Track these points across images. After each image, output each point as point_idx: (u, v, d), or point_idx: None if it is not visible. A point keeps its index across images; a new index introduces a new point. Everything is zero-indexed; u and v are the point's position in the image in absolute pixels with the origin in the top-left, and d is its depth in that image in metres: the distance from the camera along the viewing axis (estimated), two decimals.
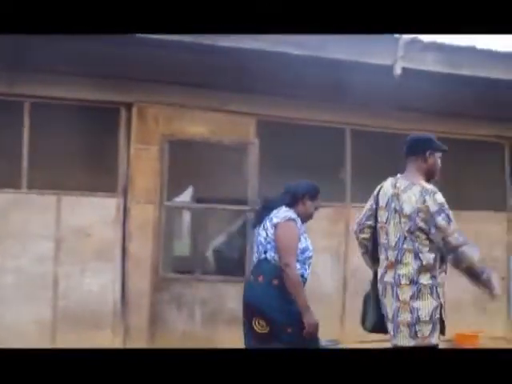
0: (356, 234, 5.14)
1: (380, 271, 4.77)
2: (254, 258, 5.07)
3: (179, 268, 9.33)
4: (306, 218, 5.21)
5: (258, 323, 4.82)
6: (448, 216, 4.58)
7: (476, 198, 9.71)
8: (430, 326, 4.54)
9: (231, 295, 8.14)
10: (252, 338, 4.90)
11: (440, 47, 8.12)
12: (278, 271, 4.81)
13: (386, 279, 4.68)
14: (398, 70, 7.87)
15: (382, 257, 4.78)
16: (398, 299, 4.58)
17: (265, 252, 4.94)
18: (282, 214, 4.96)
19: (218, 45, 7.09)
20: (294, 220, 4.98)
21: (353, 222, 8.24)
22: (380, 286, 4.74)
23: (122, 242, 8.03)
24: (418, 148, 4.89)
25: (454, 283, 9.28)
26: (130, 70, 7.80)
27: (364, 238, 5.04)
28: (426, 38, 7.95)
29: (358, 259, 8.60)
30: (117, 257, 8.01)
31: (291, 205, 5.09)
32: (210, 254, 10.09)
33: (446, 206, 4.60)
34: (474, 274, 4.70)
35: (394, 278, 4.60)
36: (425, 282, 4.55)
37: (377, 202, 4.90)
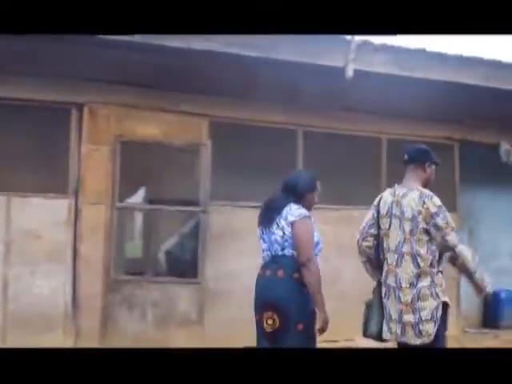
0: (359, 243, 5.48)
1: (382, 276, 5.13)
2: (266, 255, 5.19)
3: (131, 270, 9.34)
4: (310, 208, 5.32)
5: (269, 320, 4.95)
6: (446, 217, 4.92)
7: None
8: (433, 325, 4.89)
9: (183, 297, 8.19)
10: (263, 335, 5.08)
11: (391, 49, 8.26)
12: (297, 265, 4.98)
13: (388, 282, 5.05)
14: (349, 72, 7.98)
15: (384, 262, 5.15)
16: (401, 301, 4.94)
17: (282, 249, 5.07)
18: (295, 212, 5.09)
19: (170, 45, 7.12)
20: (308, 217, 5.14)
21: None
22: (384, 289, 5.10)
23: (73, 244, 8.02)
24: (419, 158, 5.28)
25: None
26: (81, 70, 7.79)
27: (367, 246, 5.38)
28: (377, 40, 8.08)
29: None
30: (68, 258, 8.01)
31: (297, 200, 5.22)
32: (161, 255, 10.10)
33: (444, 208, 4.96)
34: (467, 272, 5.07)
35: (396, 281, 4.97)
36: (424, 284, 4.88)
37: (378, 211, 5.26)
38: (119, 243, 9.53)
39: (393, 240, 5.06)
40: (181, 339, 7.96)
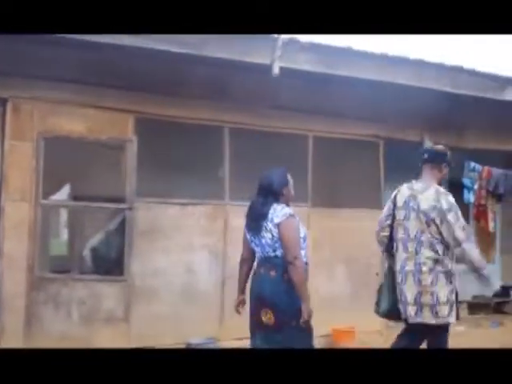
0: (378, 234, 6.19)
1: (399, 263, 5.81)
2: (259, 256, 5.54)
3: (56, 267, 9.30)
4: (289, 202, 5.63)
5: (266, 314, 5.34)
6: (456, 214, 5.65)
7: (352, 196, 10.04)
8: (448, 307, 5.63)
9: (109, 294, 8.20)
10: (261, 328, 5.42)
11: (317, 47, 8.37)
12: (285, 268, 5.32)
13: (406, 268, 5.73)
14: (275, 70, 8.05)
15: (400, 249, 5.83)
16: (420, 284, 5.65)
17: (274, 251, 5.40)
18: (280, 213, 5.38)
19: (96, 41, 7.07)
20: (293, 215, 5.43)
21: (231, 220, 8.50)
22: (400, 276, 5.79)
23: None
24: (437, 159, 6.01)
25: (329, 279, 9.70)
26: (5, 64, 7.70)
27: (384, 236, 6.09)
28: (303, 38, 8.20)
29: (236, 256, 8.86)
30: None
31: (276, 199, 5.51)
32: (87, 252, 10.05)
33: (456, 206, 5.69)
34: (473, 268, 5.71)
35: (415, 266, 5.68)
36: (441, 269, 5.65)
37: (395, 203, 6.00)
38: (44, 241, 9.48)
39: (411, 230, 5.76)
40: (107, 337, 7.97)
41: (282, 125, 9.23)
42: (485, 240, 12.52)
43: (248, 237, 5.63)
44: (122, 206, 8.47)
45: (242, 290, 5.87)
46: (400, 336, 6.07)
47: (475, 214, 10.57)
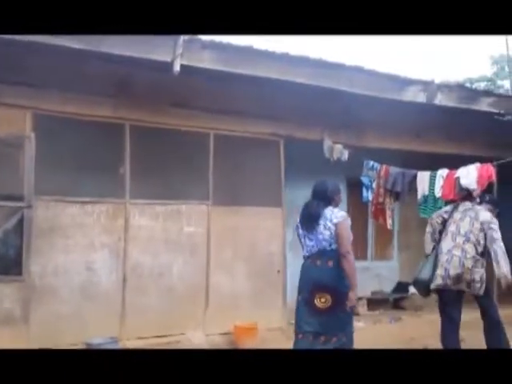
0: (432, 218, 8.47)
1: (447, 246, 7.94)
2: (312, 250, 6.64)
3: None
4: (337, 206, 6.83)
5: (322, 298, 6.46)
6: (497, 230, 7.94)
7: (254, 194, 10.29)
8: (479, 285, 7.86)
9: (6, 294, 8.13)
10: (311, 311, 6.52)
11: (218, 46, 8.51)
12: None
13: (453, 252, 7.87)
14: (176, 67, 8.14)
15: (448, 238, 8.02)
16: (463, 266, 7.80)
17: (330, 245, 6.55)
18: (338, 214, 6.61)
19: None
20: (347, 217, 6.70)
21: (132, 218, 8.56)
22: (446, 256, 7.88)
23: None
24: (492, 203, 8.63)
25: (230, 277, 9.88)
26: None
27: (437, 222, 8.32)
28: (205, 36, 8.32)
29: (137, 255, 8.97)
30: None
31: (329, 203, 6.71)
32: None
33: (496, 223, 8.05)
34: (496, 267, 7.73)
35: (462, 252, 7.85)
36: (479, 258, 7.89)
37: (456, 208, 8.33)
38: None
39: (462, 228, 7.98)
40: (4, 339, 7.90)
41: (184, 122, 9.34)
42: (383, 238, 12.97)
43: (301, 232, 6.78)
44: (19, 204, 8.38)
45: None
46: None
47: (373, 212, 10.90)
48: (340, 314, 6.48)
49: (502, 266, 7.65)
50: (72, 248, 8.62)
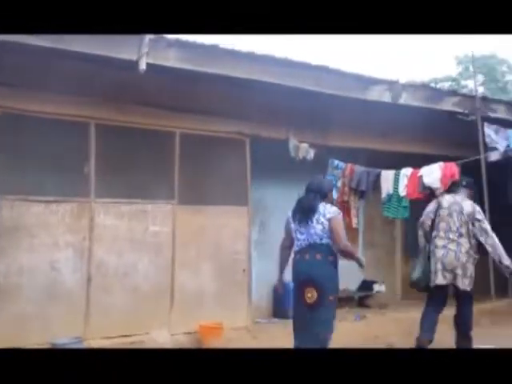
0: (424, 222, 8.76)
1: (442, 242, 8.49)
2: (302, 243, 6.97)
3: None
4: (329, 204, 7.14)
5: (309, 293, 6.79)
6: (484, 219, 8.64)
7: (220, 193, 10.30)
8: (469, 280, 8.43)
9: None
10: (301, 306, 6.88)
11: (184, 45, 8.53)
12: (331, 250, 6.90)
13: (449, 247, 8.44)
14: (142, 66, 8.14)
15: (441, 234, 8.53)
16: (458, 260, 8.40)
17: (321, 239, 6.88)
18: (331, 209, 6.94)
19: None
20: (340, 213, 7.05)
21: (97, 218, 8.52)
22: (442, 251, 8.45)
23: None
24: (470, 186, 9.08)
25: (195, 276, 9.88)
26: None
27: (428, 225, 8.69)
28: (171, 35, 8.31)
29: (102, 254, 8.94)
30: None
31: (323, 199, 7.02)
32: None
33: (483, 214, 8.79)
34: (496, 257, 8.50)
35: (457, 247, 8.42)
36: (471, 253, 8.49)
37: (440, 205, 8.71)
38: None
39: (453, 224, 8.51)
40: None
41: (149, 121, 9.33)
42: (348, 236, 13.03)
43: (293, 226, 7.07)
44: None
45: (281, 273, 7.51)
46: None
47: None
48: (320, 309, 6.79)
49: (504, 259, 8.42)
50: (37, 247, 8.57)
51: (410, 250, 13.80)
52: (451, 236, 8.49)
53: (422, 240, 8.79)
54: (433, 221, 8.66)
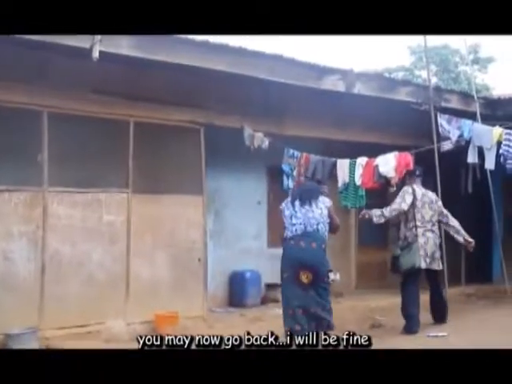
0: (400, 212, 9.54)
1: (421, 231, 9.54)
2: (298, 228, 7.74)
3: None
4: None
5: (305, 276, 7.59)
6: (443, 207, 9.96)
7: (174, 182, 10.30)
8: (440, 261, 9.88)
9: None
10: (297, 286, 7.61)
11: None
12: (323, 238, 7.80)
13: (427, 235, 9.56)
14: (95, 54, 8.09)
15: (418, 224, 9.53)
16: (436, 245, 9.71)
17: (317, 224, 7.75)
18: (326, 199, 7.96)
19: None
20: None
21: (50, 207, 8.46)
22: (422, 239, 9.51)
23: None
24: (422, 175, 10.00)
25: (150, 266, 9.87)
26: None
27: (404, 215, 9.60)
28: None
29: (56, 244, 8.89)
30: None
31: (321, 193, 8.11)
32: None
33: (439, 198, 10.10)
34: (458, 232, 9.89)
35: (433, 234, 9.66)
36: (439, 238, 9.95)
37: (415, 197, 9.54)
38: None
39: (426, 214, 9.61)
40: None
41: (103, 110, 9.28)
42: None
43: (287, 213, 7.87)
44: None
45: None
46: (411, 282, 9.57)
47: None
48: (319, 290, 7.67)
49: (468, 236, 9.90)
50: None
51: (365, 239, 14.02)
52: (427, 225, 9.62)
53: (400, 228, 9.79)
54: (410, 211, 9.58)
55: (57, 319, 8.79)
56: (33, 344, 8.05)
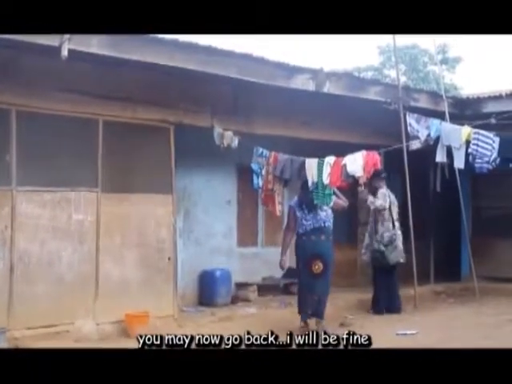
0: (385, 212, 11.47)
1: (397, 228, 11.52)
2: (308, 226, 9.77)
3: None
4: None
5: (316, 266, 9.58)
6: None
7: (144, 181, 10.30)
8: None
9: None
10: (309, 275, 9.64)
11: None
12: (330, 232, 9.86)
13: (398, 232, 11.50)
14: (64, 52, 8.05)
15: (395, 221, 11.43)
16: (401, 241, 11.57)
17: (324, 222, 9.81)
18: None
19: None
20: None
21: (19, 206, 8.40)
22: (396, 236, 11.45)
23: None
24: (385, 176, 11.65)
25: (120, 265, 9.87)
26: None
27: (385, 212, 11.51)
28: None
29: (24, 243, 8.85)
30: None
31: None
32: None
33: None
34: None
35: (400, 231, 11.56)
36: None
37: (390, 198, 11.44)
38: None
39: (394, 212, 11.45)
40: None
41: (72, 108, 9.24)
42: (273, 224, 13.17)
43: (298, 214, 9.86)
44: None
45: (285, 252, 10.04)
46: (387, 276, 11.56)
47: (263, 199, 11.03)
48: (327, 277, 9.75)
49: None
50: None
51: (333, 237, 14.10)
52: (396, 223, 11.52)
53: (380, 226, 11.49)
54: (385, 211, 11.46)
55: (26, 319, 8.76)
56: (1, 344, 8.02)
